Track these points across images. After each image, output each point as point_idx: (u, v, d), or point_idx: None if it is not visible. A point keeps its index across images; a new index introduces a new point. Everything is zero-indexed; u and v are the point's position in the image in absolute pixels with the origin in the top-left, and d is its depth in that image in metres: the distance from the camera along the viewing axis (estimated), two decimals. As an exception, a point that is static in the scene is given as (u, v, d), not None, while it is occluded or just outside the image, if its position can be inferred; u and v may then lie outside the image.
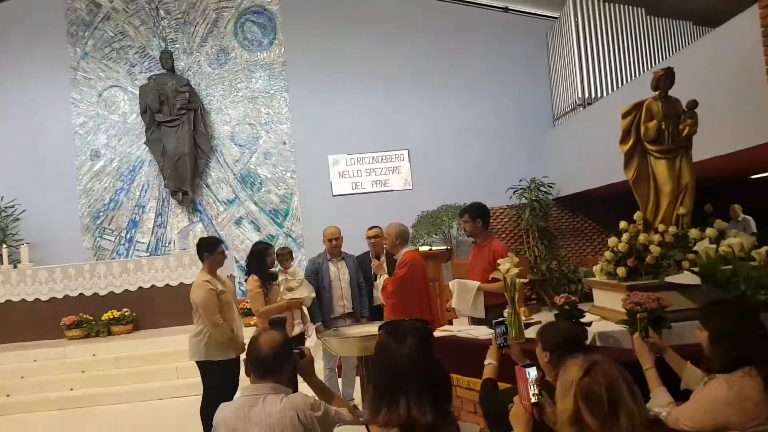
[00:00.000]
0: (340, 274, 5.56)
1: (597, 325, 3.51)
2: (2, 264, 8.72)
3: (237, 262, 10.09)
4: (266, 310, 5.02)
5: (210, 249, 4.78)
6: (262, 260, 5.15)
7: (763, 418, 2.20)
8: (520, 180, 10.59)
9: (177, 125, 10.43)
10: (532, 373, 1.98)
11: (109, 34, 10.94)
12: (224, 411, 2.27)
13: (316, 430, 2.20)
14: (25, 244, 9.44)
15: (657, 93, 3.92)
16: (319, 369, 4.47)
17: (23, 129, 10.69)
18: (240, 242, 10.79)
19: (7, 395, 7.00)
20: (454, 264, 8.20)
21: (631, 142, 3.92)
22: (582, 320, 3.26)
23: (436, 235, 10.21)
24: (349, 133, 10.98)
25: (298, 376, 2.56)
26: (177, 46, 10.95)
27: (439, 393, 1.71)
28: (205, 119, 10.79)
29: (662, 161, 3.86)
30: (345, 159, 11.08)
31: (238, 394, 2.34)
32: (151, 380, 7.09)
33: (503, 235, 10.88)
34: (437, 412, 1.65)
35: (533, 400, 1.94)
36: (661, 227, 3.76)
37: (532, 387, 1.95)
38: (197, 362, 4.75)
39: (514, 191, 10.57)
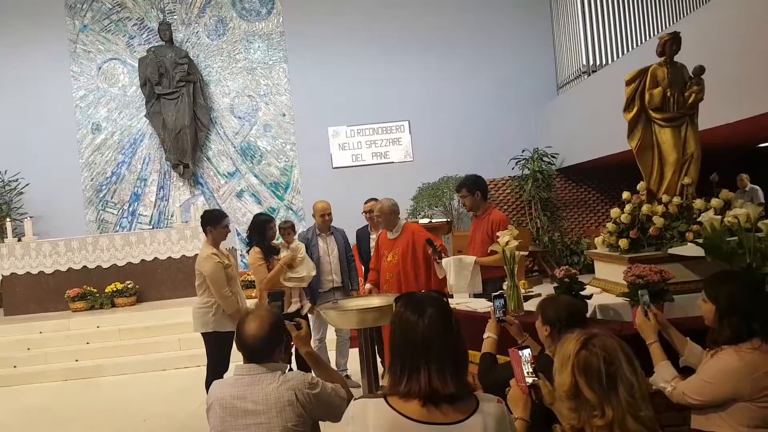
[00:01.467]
0: (329, 249, 5.48)
1: (597, 298, 3.47)
2: (7, 237, 8.76)
3: (238, 234, 10.08)
4: (270, 277, 4.94)
5: (214, 222, 4.74)
6: (264, 233, 5.06)
7: None
8: (523, 150, 10.48)
9: (176, 98, 10.33)
10: (527, 354, 1.98)
11: (107, 6, 10.77)
12: (218, 389, 2.22)
13: (313, 408, 2.16)
14: (29, 218, 9.47)
15: (662, 59, 3.80)
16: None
17: (25, 103, 10.61)
18: (242, 215, 10.76)
19: (14, 366, 7.08)
20: (455, 236, 8.18)
21: (635, 110, 3.81)
22: (582, 293, 3.22)
23: (436, 207, 10.16)
24: (349, 104, 10.85)
25: (293, 348, 2.53)
26: (175, 17, 10.78)
27: (460, 363, 1.69)
28: (204, 91, 10.67)
29: (667, 129, 3.76)
30: (345, 131, 10.97)
31: (230, 373, 2.28)
32: (155, 351, 7.16)
33: (505, 207, 10.82)
34: (458, 382, 1.64)
35: (529, 381, 1.94)
36: (665, 198, 3.69)
37: (527, 368, 1.96)
38: (203, 334, 4.74)
39: (517, 162, 10.47)
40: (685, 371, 2.46)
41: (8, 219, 9.51)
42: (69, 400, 6.21)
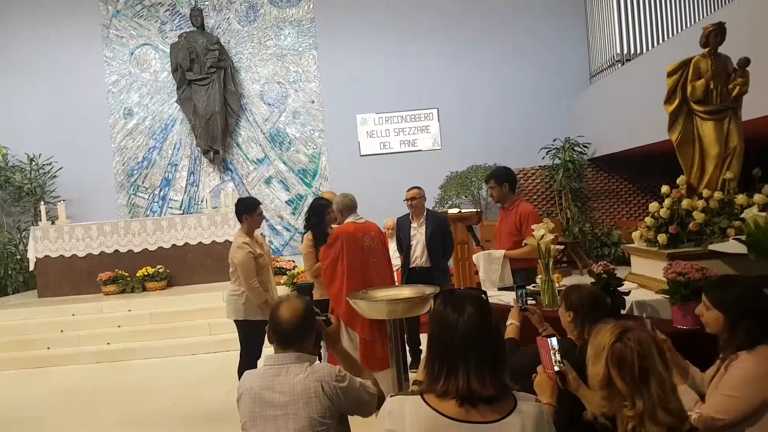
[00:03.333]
0: None
1: (635, 294, 3.41)
2: (41, 220, 8.93)
3: (267, 221, 10.14)
4: (317, 269, 4.89)
5: (249, 210, 4.76)
6: (322, 218, 5.05)
7: None
8: (554, 140, 10.30)
9: (207, 84, 10.39)
10: (554, 343, 2.05)
11: (139, -9, 10.87)
12: (248, 380, 2.24)
13: (341, 401, 2.15)
14: (62, 201, 9.65)
15: (706, 50, 3.69)
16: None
17: (58, 88, 10.77)
18: (270, 202, 10.81)
19: (48, 348, 7.25)
20: (483, 226, 8.10)
21: (676, 102, 3.72)
22: (620, 289, 3.15)
23: (465, 196, 10.08)
24: (378, 91, 10.79)
25: (323, 343, 2.51)
26: (206, 3, 10.81)
27: (499, 363, 1.65)
28: (234, 78, 10.71)
29: (709, 122, 3.66)
30: (373, 118, 10.93)
31: (261, 362, 2.29)
32: (185, 336, 7.27)
33: (535, 197, 10.70)
34: (497, 384, 1.61)
35: (556, 368, 2.02)
36: (705, 192, 3.59)
37: (555, 356, 2.03)
38: (235, 321, 4.80)
39: (547, 151, 10.30)
40: None
41: (42, 202, 9.72)
42: (101, 382, 6.34)
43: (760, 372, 2.12)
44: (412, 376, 4.09)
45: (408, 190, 5.60)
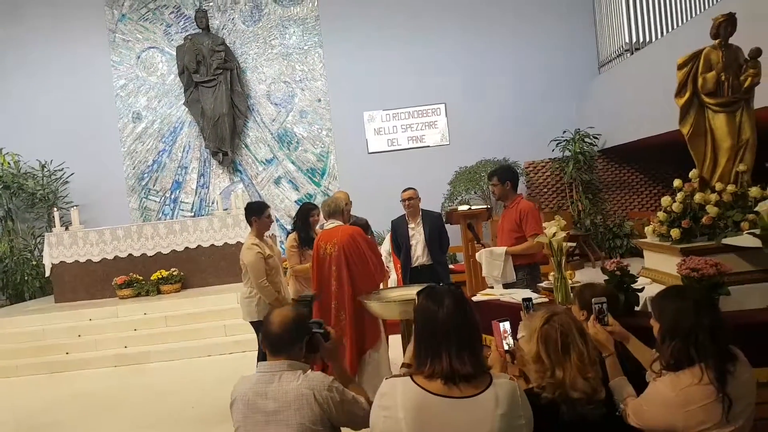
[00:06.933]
0: None
1: (649, 289, 3.38)
2: (55, 226, 9.02)
3: (277, 220, 10.18)
4: (301, 269, 5.10)
5: (258, 213, 4.90)
6: (306, 220, 5.24)
7: (710, 423, 2.03)
8: (563, 132, 10.25)
9: (214, 85, 10.43)
10: (507, 326, 2.38)
11: (144, -6, 10.91)
12: (242, 386, 2.28)
13: (332, 412, 2.19)
14: (75, 207, 9.73)
15: (716, 41, 3.65)
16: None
17: (68, 93, 10.86)
18: (279, 201, 10.86)
19: (66, 353, 7.34)
20: (494, 222, 8.08)
21: (687, 94, 3.66)
22: (633, 286, 3.14)
23: (474, 192, 10.06)
24: (384, 88, 10.78)
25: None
26: (211, 4, 10.85)
27: (475, 345, 1.93)
28: (241, 78, 10.75)
29: (721, 115, 3.61)
30: (380, 115, 10.92)
31: (255, 369, 2.34)
32: (201, 338, 7.31)
33: (545, 190, 10.66)
34: (475, 363, 1.88)
35: (506, 348, 2.36)
36: (718, 186, 3.55)
37: (506, 338, 2.37)
38: (250, 322, 4.95)
39: (557, 143, 10.25)
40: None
41: (55, 208, 9.81)
42: (120, 385, 6.42)
43: (668, 399, 2.06)
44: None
45: (404, 191, 5.71)
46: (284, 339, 2.26)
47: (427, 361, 1.89)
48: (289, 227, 10.89)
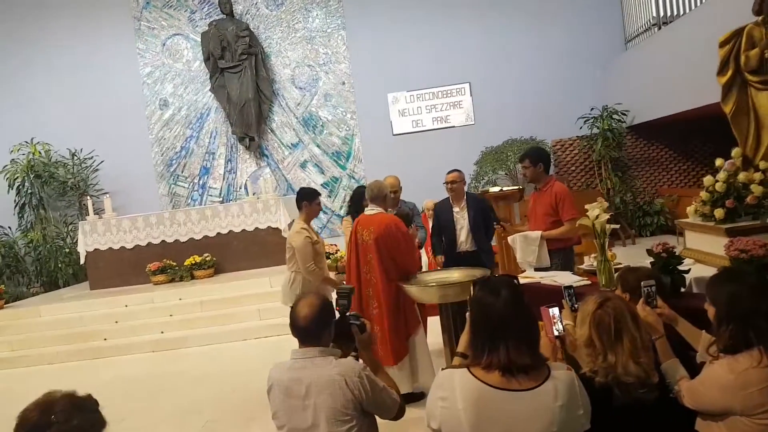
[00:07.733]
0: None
1: (693, 270, 3.37)
2: (89, 215, 9.16)
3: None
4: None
5: (309, 198, 4.91)
6: (359, 204, 5.24)
7: None
8: (591, 109, 10.12)
9: (239, 71, 10.47)
10: (556, 312, 2.39)
11: (168, -19, 10.95)
12: (277, 372, 2.37)
13: (362, 398, 2.25)
14: (107, 195, 9.89)
15: (759, 18, 3.58)
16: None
17: (95, 83, 11.00)
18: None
19: (104, 339, 7.50)
20: (525, 203, 8.05)
21: (729, 72, 3.63)
22: (680, 267, 3.13)
23: (501, 171, 10.00)
24: (408, 68, 10.72)
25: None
26: (234, -12, 10.84)
27: (532, 336, 1.93)
28: (265, 63, 10.77)
29: (764, 93, 3.57)
30: (405, 96, 10.88)
31: (289, 356, 2.41)
32: (236, 322, 7.42)
33: (573, 168, 10.57)
34: (533, 354, 1.89)
35: (556, 333, 2.36)
36: (762, 164, 3.52)
37: (556, 323, 2.37)
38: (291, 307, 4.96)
39: (585, 121, 10.13)
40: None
41: (87, 196, 9.98)
42: (158, 370, 6.54)
43: (727, 382, 2.06)
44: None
45: (448, 173, 5.43)
46: (312, 329, 2.32)
47: (484, 352, 1.89)
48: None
